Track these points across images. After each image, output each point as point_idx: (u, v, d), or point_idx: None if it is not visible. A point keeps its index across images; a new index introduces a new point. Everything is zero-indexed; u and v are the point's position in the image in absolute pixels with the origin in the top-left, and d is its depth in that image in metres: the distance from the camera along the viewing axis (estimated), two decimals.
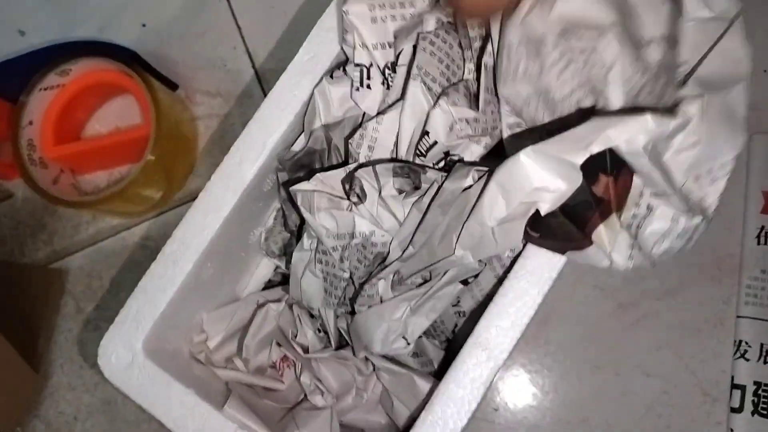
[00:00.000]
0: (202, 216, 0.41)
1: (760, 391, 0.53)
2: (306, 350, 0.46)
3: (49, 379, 0.59)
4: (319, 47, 0.42)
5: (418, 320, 0.42)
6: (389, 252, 0.42)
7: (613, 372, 0.55)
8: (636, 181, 0.34)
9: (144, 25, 0.65)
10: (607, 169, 0.33)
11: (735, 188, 0.58)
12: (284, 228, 0.49)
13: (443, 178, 0.39)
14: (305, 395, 0.45)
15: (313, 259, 0.44)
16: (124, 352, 0.39)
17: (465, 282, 0.42)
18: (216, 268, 0.43)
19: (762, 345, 0.53)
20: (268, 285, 0.51)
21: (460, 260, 0.37)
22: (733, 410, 0.53)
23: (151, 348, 0.40)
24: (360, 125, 0.44)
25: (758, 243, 0.56)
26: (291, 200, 0.44)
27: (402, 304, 0.41)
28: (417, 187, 0.41)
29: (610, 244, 0.35)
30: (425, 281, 0.42)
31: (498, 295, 0.38)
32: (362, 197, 0.41)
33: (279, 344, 0.46)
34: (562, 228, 0.35)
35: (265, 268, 0.51)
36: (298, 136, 0.46)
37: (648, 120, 0.31)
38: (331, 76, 0.43)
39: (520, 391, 0.56)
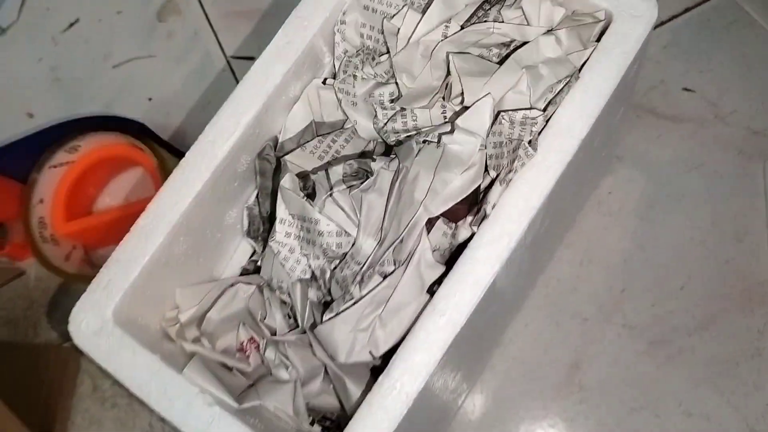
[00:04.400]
0: (175, 191, 0.41)
1: None
2: (274, 333, 0.45)
3: None
4: (295, 34, 0.44)
5: (385, 335, 0.41)
6: (355, 246, 0.42)
7: (652, 413, 0.53)
8: None
9: (150, 99, 0.66)
10: None
11: (755, 215, 0.57)
12: (258, 215, 0.49)
13: (389, 164, 0.41)
14: (270, 372, 0.44)
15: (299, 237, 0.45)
16: (94, 320, 0.40)
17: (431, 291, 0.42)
18: (190, 245, 0.44)
19: None
20: (244, 273, 0.50)
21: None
22: None
23: (121, 318, 0.40)
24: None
25: None
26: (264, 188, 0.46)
27: (368, 311, 0.41)
28: (365, 178, 0.43)
29: None
30: (385, 277, 0.42)
31: (458, 263, 0.39)
32: (312, 196, 0.43)
33: (245, 324, 0.45)
34: None
35: (242, 254, 0.51)
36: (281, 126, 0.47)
37: None
38: (324, 83, 0.46)
39: None
